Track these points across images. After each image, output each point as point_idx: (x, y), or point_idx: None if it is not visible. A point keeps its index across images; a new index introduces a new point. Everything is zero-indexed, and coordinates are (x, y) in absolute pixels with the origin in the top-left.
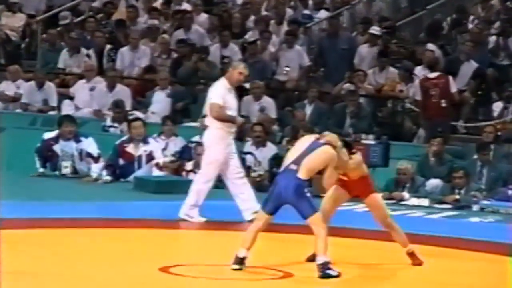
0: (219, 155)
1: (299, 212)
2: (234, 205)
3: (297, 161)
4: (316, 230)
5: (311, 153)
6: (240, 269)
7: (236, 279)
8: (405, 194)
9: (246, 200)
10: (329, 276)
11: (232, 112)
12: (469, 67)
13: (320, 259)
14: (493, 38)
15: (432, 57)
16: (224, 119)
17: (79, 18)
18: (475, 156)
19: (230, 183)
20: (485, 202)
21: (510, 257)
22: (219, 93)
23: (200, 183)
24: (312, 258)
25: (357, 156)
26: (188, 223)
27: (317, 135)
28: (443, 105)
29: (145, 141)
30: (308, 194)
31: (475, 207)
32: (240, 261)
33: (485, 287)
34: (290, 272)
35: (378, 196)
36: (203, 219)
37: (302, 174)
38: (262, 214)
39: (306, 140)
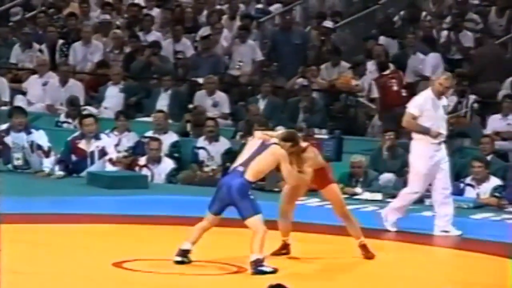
0: (421, 168)
1: (239, 212)
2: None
3: (245, 163)
4: (254, 230)
5: (259, 156)
6: (182, 262)
7: (188, 274)
8: (358, 189)
9: (440, 217)
10: (263, 273)
11: (432, 123)
12: (416, 61)
13: (253, 257)
14: (444, 33)
15: (380, 51)
16: (414, 129)
17: (31, 13)
18: None
19: (436, 193)
20: None
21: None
22: (417, 103)
23: (406, 193)
24: (277, 253)
25: (310, 150)
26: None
27: (265, 135)
28: (404, 94)
29: (97, 137)
30: (252, 196)
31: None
32: (183, 253)
33: (435, 280)
34: (243, 267)
35: (335, 186)
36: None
37: (249, 176)
38: (209, 214)
39: (254, 144)
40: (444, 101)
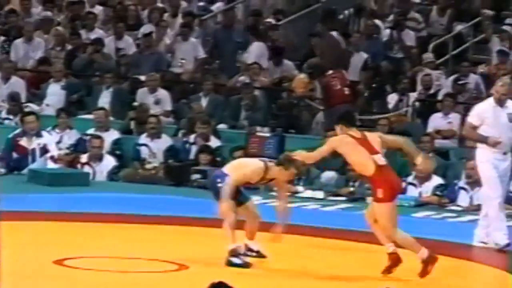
0: (487, 172)
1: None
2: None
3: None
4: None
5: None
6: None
7: (130, 272)
8: (300, 187)
9: (483, 226)
10: (234, 265)
11: (494, 130)
12: (359, 59)
13: (229, 246)
14: (387, 31)
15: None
16: (473, 138)
17: None
18: None
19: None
20: None
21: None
22: (476, 112)
23: (489, 205)
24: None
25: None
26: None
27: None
28: (346, 92)
29: (38, 135)
30: (220, 185)
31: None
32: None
33: (373, 278)
34: (185, 264)
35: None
36: None
37: (228, 169)
38: None
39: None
40: (509, 108)
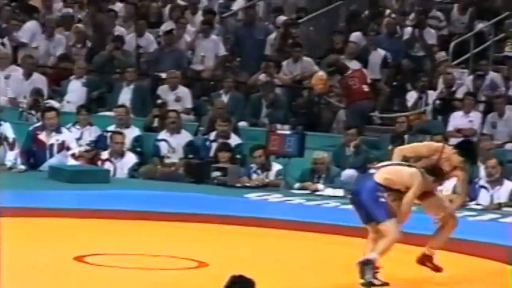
0: None
1: (372, 215)
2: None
3: (379, 167)
4: (385, 234)
5: (398, 167)
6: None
7: (150, 269)
8: (320, 185)
9: None
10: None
11: None
12: (377, 56)
13: (370, 255)
14: (408, 30)
15: (356, 48)
16: None
17: None
18: (390, 147)
19: None
20: None
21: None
22: None
23: None
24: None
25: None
26: None
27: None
28: (365, 89)
29: (58, 131)
30: (383, 200)
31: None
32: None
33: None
34: (204, 261)
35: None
36: None
37: (378, 178)
38: (366, 226)
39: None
40: None
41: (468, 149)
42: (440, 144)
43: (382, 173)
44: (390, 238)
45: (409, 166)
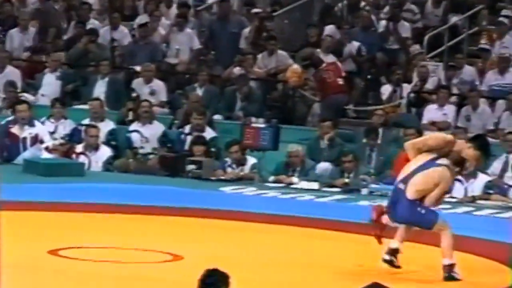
0: None
1: (420, 227)
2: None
3: (405, 180)
4: (441, 233)
5: (422, 172)
6: (390, 261)
7: (125, 263)
8: (295, 178)
9: None
10: (453, 279)
11: None
12: (351, 48)
13: (445, 261)
14: (383, 23)
15: (332, 42)
16: None
17: None
18: (364, 140)
19: None
20: (374, 185)
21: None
22: None
23: None
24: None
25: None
26: None
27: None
28: (340, 82)
29: (30, 124)
30: (423, 211)
31: (364, 191)
32: (392, 252)
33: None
34: (180, 255)
35: None
36: None
37: (410, 195)
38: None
39: (422, 158)
40: None
41: (484, 144)
42: (451, 137)
43: (411, 187)
44: (446, 233)
45: (431, 161)
